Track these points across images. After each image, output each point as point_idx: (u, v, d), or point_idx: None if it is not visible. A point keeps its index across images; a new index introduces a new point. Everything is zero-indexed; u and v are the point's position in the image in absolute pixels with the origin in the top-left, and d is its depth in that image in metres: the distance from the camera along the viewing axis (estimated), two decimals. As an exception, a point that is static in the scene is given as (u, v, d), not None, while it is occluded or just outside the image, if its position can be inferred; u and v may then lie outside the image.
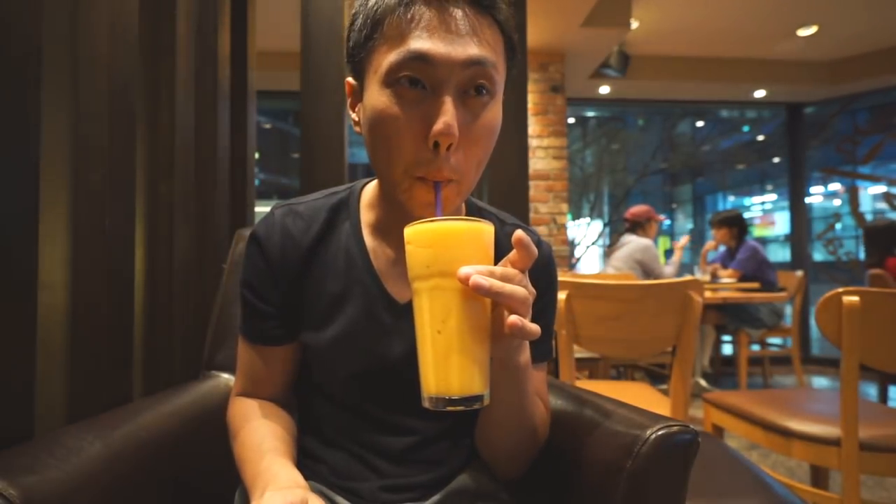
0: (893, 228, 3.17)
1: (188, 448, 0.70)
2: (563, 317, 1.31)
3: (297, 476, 0.51)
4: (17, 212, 0.61)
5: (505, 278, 0.41)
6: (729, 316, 3.15)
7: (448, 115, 0.47)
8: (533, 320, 0.42)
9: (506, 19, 0.51)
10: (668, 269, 3.13)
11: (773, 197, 7.01)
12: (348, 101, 0.58)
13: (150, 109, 0.99)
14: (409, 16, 0.47)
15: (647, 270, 3.04)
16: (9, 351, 0.59)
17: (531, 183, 3.71)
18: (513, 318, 0.41)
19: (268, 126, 5.94)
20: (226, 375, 0.86)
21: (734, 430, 1.41)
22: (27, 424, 0.61)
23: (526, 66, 2.19)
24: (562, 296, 1.30)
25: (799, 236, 4.78)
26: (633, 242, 3.10)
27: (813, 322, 1.42)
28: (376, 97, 0.50)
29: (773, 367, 3.85)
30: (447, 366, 0.41)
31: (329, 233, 0.62)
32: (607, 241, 5.21)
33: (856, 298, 1.11)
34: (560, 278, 1.11)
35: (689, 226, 8.06)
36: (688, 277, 1.31)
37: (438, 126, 0.47)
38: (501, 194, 1.68)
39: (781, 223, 6.35)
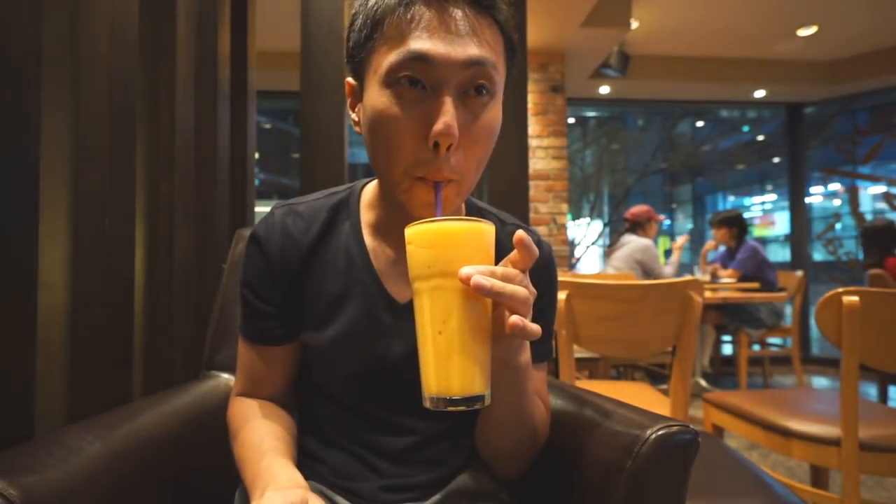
0: (891, 229, 3.17)
1: (188, 448, 0.70)
2: (563, 317, 1.31)
3: (298, 476, 0.51)
4: (17, 212, 0.61)
5: (506, 278, 0.41)
6: (729, 316, 3.15)
7: (448, 115, 0.47)
8: (533, 320, 0.42)
9: (506, 19, 0.51)
10: (668, 269, 3.13)
11: (773, 197, 7.01)
12: (348, 101, 0.58)
13: (150, 109, 0.99)
14: (408, 16, 0.47)
15: (647, 270, 3.04)
16: (9, 351, 0.59)
17: (531, 183, 3.71)
18: (514, 319, 0.41)
19: (268, 126, 5.93)
20: (226, 375, 0.86)
21: (734, 430, 1.41)
22: (27, 424, 0.61)
23: (526, 66, 2.19)
24: (562, 296, 1.30)
25: (799, 236, 4.78)
26: (633, 242, 3.10)
27: (813, 322, 1.42)
28: (376, 97, 0.50)
29: (773, 367, 3.85)
30: (448, 366, 0.41)
31: (329, 233, 0.62)
32: (607, 241, 5.21)
33: (856, 298, 1.11)
34: (560, 278, 1.11)
35: (689, 226, 8.05)
36: (688, 277, 1.31)
37: (438, 126, 0.47)
38: (501, 194, 1.68)
39: (781, 223, 6.35)
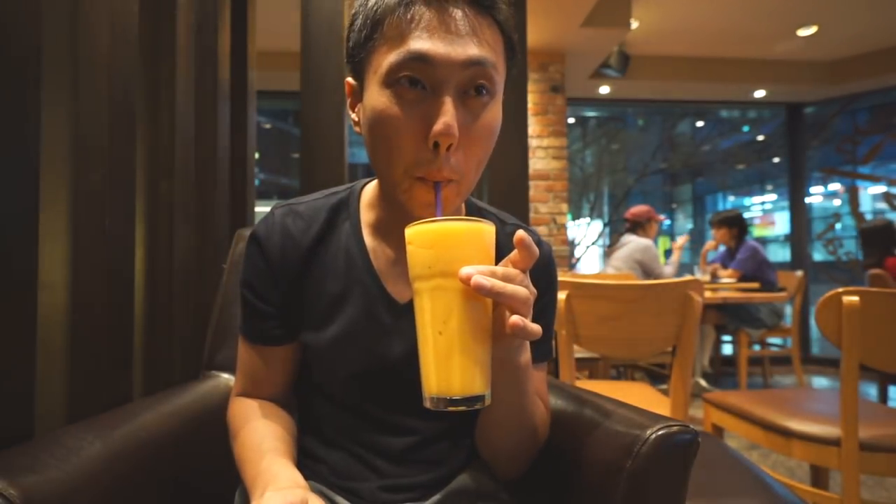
0: (890, 229, 3.17)
1: (188, 448, 0.70)
2: (563, 317, 1.31)
3: (297, 476, 0.51)
4: (17, 212, 0.61)
5: (506, 278, 0.41)
6: (729, 316, 3.15)
7: (448, 115, 0.47)
8: (533, 320, 0.42)
9: (506, 19, 0.51)
10: (668, 269, 3.13)
11: (773, 197, 7.01)
12: (348, 101, 0.58)
13: (150, 109, 0.99)
14: (408, 16, 0.47)
15: (647, 270, 3.04)
16: (9, 351, 0.59)
17: (531, 183, 3.71)
18: (514, 319, 0.41)
19: (268, 126, 5.93)
20: (226, 375, 0.86)
21: (734, 430, 1.41)
22: (27, 424, 0.61)
23: (526, 66, 2.19)
24: (562, 296, 1.30)
25: (799, 236, 4.78)
26: (633, 242, 3.10)
27: (813, 322, 1.42)
28: (376, 97, 0.50)
29: (773, 367, 3.85)
30: (448, 366, 0.41)
31: (329, 233, 0.62)
32: (607, 241, 5.21)
33: (856, 298, 1.11)
34: (560, 278, 1.11)
35: (689, 226, 8.05)
36: (688, 277, 1.31)
37: (438, 126, 0.47)
38: (501, 194, 1.68)
39: (781, 223, 6.35)
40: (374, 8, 0.49)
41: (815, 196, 5.22)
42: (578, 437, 0.60)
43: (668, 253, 5.83)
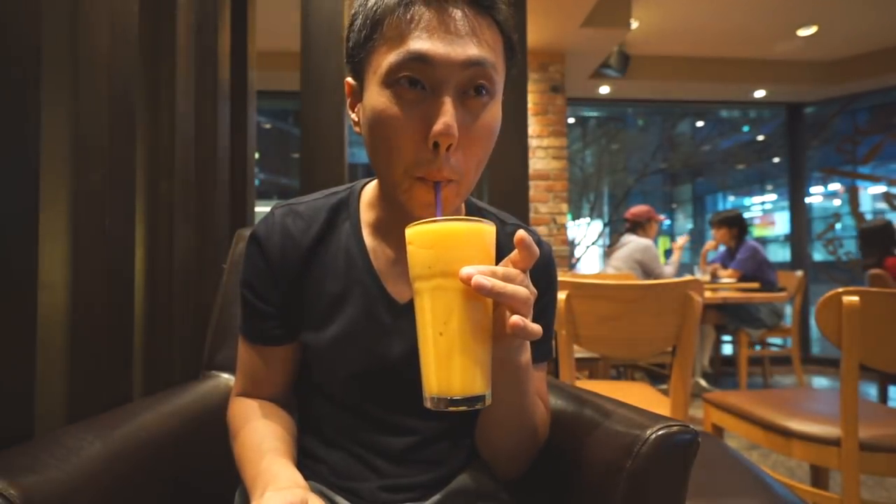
0: (889, 229, 3.17)
1: (188, 448, 0.70)
2: (563, 317, 1.31)
3: (297, 476, 0.51)
4: (17, 212, 0.61)
5: (507, 278, 0.41)
6: (729, 316, 3.15)
7: (448, 115, 0.47)
8: (533, 320, 0.42)
9: (505, 19, 0.51)
10: (668, 269, 3.13)
11: (773, 197, 7.01)
12: (348, 101, 0.58)
13: (150, 109, 0.99)
14: (408, 16, 0.47)
15: (647, 270, 3.04)
16: (9, 351, 0.59)
17: (531, 183, 3.71)
18: (515, 319, 0.41)
19: (268, 126, 5.93)
20: (226, 375, 0.86)
21: (734, 430, 1.41)
22: (27, 424, 0.61)
23: (526, 66, 2.19)
24: (562, 296, 1.30)
25: (799, 236, 4.78)
26: (633, 242, 3.10)
27: (813, 322, 1.42)
28: (376, 98, 0.50)
29: (773, 367, 3.85)
30: (449, 366, 0.41)
31: (329, 233, 0.62)
32: (607, 241, 5.21)
33: (856, 298, 1.11)
34: (560, 278, 1.11)
35: (689, 226, 8.05)
36: (688, 277, 1.31)
37: (438, 126, 0.47)
38: (501, 194, 1.68)
39: (781, 223, 6.35)
40: (374, 8, 0.49)
41: (815, 196, 5.22)
42: (578, 437, 0.60)
43: (668, 253, 5.83)
